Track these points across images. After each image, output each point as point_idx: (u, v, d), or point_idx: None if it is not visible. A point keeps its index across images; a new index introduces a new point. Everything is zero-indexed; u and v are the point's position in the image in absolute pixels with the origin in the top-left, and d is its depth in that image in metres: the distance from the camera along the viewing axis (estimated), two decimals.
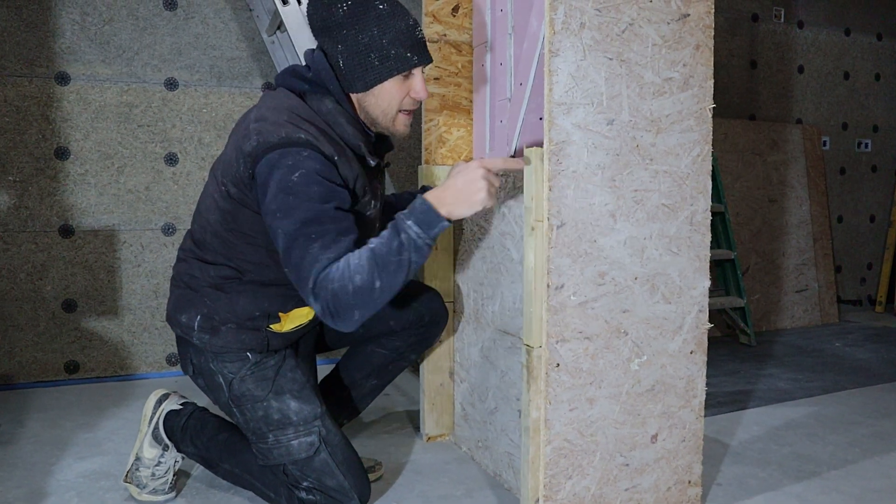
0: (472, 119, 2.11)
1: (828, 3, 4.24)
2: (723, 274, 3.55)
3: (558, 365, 1.47)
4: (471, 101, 2.11)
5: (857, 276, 4.50)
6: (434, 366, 2.08)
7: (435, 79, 2.06)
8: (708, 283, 1.62)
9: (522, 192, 1.58)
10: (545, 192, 1.43)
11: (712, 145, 3.65)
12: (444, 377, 2.10)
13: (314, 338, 1.84)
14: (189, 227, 1.68)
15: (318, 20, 1.44)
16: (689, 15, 1.56)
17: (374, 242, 1.35)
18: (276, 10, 2.37)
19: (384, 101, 1.48)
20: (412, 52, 1.45)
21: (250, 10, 2.81)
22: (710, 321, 3.56)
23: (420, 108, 3.20)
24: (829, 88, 4.30)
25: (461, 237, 2.00)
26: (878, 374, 2.91)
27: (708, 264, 1.62)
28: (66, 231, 2.70)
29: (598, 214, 1.48)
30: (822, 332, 3.82)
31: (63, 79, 2.67)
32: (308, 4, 1.46)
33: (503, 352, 1.79)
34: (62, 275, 2.71)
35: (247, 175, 1.40)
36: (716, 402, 2.51)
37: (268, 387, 1.53)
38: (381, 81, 1.45)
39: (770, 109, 4.09)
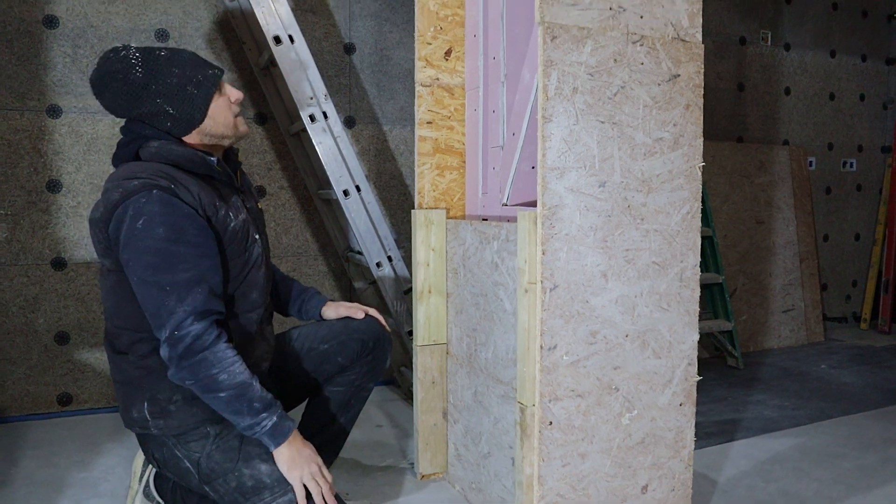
0: (464, 161, 2.14)
1: (814, 25, 4.29)
2: (711, 297, 3.60)
3: (551, 423, 1.50)
4: (464, 144, 2.13)
5: (843, 294, 4.57)
6: (427, 406, 2.11)
7: (427, 122, 2.08)
8: (696, 337, 1.66)
9: (515, 245, 1.61)
10: (538, 255, 1.45)
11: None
12: (437, 417, 2.12)
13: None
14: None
15: (123, 95, 1.49)
16: (679, 75, 1.60)
17: (256, 382, 1.45)
18: (269, 46, 2.38)
19: (221, 117, 1.58)
20: (210, 68, 1.57)
21: (242, 42, 2.82)
22: (699, 343, 3.64)
23: (413, 153, 3.22)
24: (815, 109, 4.36)
25: (455, 280, 2.03)
26: (862, 401, 2.96)
27: (697, 318, 1.65)
28: (59, 264, 2.70)
29: (591, 275, 1.51)
30: (808, 352, 3.88)
31: (55, 111, 2.67)
32: (103, 93, 1.50)
33: (496, 399, 1.82)
34: (55, 307, 2.71)
35: (106, 240, 1.46)
36: (704, 434, 2.54)
37: (235, 456, 1.52)
38: (209, 104, 1.55)
39: (757, 131, 4.14)
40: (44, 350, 2.71)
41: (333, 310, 1.95)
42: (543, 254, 1.45)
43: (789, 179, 4.09)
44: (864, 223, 4.62)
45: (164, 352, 1.42)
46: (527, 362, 1.49)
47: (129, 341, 1.54)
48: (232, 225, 1.55)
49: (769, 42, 4.12)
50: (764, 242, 3.94)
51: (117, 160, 1.57)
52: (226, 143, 1.63)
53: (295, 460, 1.48)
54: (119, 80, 1.48)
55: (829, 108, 4.41)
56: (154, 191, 1.41)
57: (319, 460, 1.52)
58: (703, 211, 3.51)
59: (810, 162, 4.33)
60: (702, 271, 3.55)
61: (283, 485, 1.50)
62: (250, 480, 1.50)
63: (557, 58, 1.45)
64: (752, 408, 2.87)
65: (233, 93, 1.61)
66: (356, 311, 1.94)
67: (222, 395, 1.42)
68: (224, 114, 1.58)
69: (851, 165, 4.51)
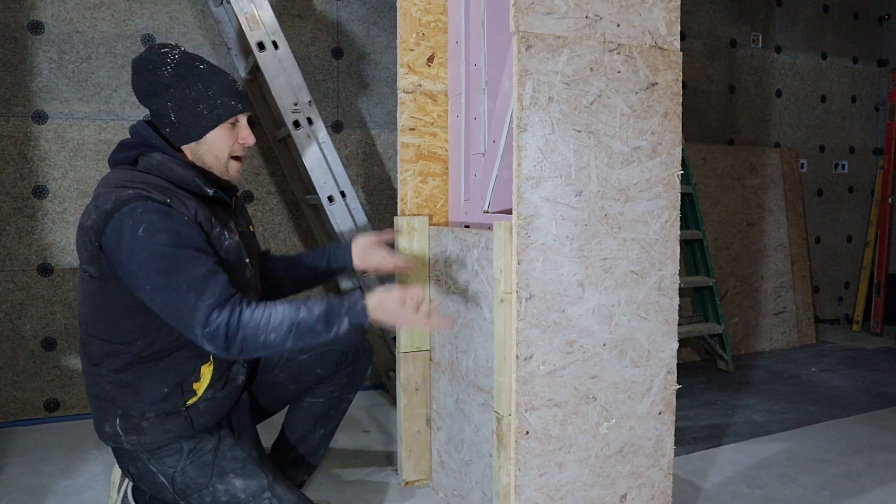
0: (447, 168, 2.13)
1: (805, 28, 4.29)
2: (701, 300, 3.60)
3: (528, 432, 1.50)
4: (446, 151, 2.13)
5: (835, 296, 4.56)
6: (411, 413, 2.10)
7: (410, 129, 2.08)
8: (676, 346, 1.65)
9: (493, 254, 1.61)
10: (514, 265, 1.45)
11: (692, 171, 3.69)
12: (420, 424, 2.12)
13: (247, 408, 1.84)
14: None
15: (146, 85, 1.53)
16: (657, 83, 1.59)
17: (302, 312, 1.44)
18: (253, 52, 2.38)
19: (216, 148, 1.58)
20: (235, 100, 1.58)
21: (228, 48, 2.81)
22: (689, 347, 3.64)
23: (396, 159, 3.21)
24: (806, 111, 4.36)
25: (437, 288, 2.02)
26: (851, 404, 2.96)
27: (676, 327, 1.65)
28: (45, 269, 2.70)
29: (567, 284, 1.51)
30: (799, 354, 3.87)
31: (40, 117, 2.66)
32: (133, 74, 1.55)
33: (477, 407, 1.81)
34: (41, 313, 2.71)
35: (96, 248, 1.44)
36: (691, 439, 2.54)
37: (209, 471, 1.52)
38: (211, 128, 1.55)
39: (748, 134, 4.14)
40: (30, 356, 2.70)
41: (361, 258, 1.89)
42: (519, 263, 1.45)
43: (781, 182, 4.09)
44: (856, 225, 4.61)
45: (207, 348, 1.41)
46: (503, 372, 1.49)
47: (100, 352, 1.52)
48: (227, 243, 1.55)
49: (760, 44, 4.11)
50: (755, 245, 3.94)
51: (114, 161, 1.57)
52: (214, 173, 1.61)
53: (388, 318, 1.50)
54: (149, 71, 1.52)
55: (820, 110, 4.40)
56: (148, 201, 1.41)
57: (393, 303, 1.49)
58: (693, 214, 3.50)
59: (802, 164, 4.33)
60: (692, 274, 3.56)
61: (257, 500, 1.50)
62: (225, 496, 1.51)
63: (533, 67, 1.44)
64: (740, 412, 2.86)
65: (244, 134, 1.61)
66: (386, 259, 1.87)
67: (288, 345, 1.42)
68: (221, 147, 1.58)
69: (843, 167, 4.51)
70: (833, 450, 2.45)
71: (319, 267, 1.92)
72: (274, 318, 1.42)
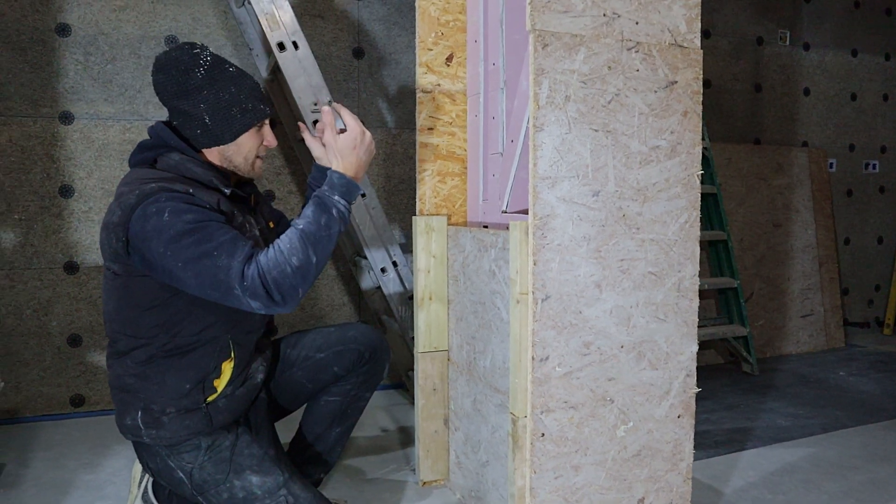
0: (466, 168, 2.13)
1: (834, 24, 4.20)
2: (725, 302, 3.54)
3: (543, 435, 1.49)
4: (465, 150, 2.12)
5: (865, 298, 4.47)
6: (429, 413, 2.10)
7: (429, 129, 2.08)
8: (695, 348, 1.63)
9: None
10: (530, 265, 1.44)
11: (717, 171, 3.64)
12: (438, 424, 2.11)
13: (265, 406, 1.84)
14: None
15: (174, 86, 1.53)
16: (676, 82, 1.57)
17: (300, 223, 1.50)
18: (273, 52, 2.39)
19: (245, 149, 1.62)
20: (263, 104, 1.62)
21: (250, 49, 2.83)
22: (713, 349, 3.59)
23: (414, 159, 3.20)
24: (835, 110, 4.27)
25: (455, 288, 2.02)
26: (879, 410, 2.89)
27: (696, 329, 1.62)
28: (71, 268, 2.75)
29: (584, 286, 1.49)
30: (826, 358, 3.79)
31: (67, 118, 2.71)
32: (159, 73, 1.54)
33: (494, 408, 1.81)
34: (67, 310, 2.75)
35: (121, 245, 1.45)
36: (713, 442, 2.50)
37: (227, 467, 1.54)
38: (244, 131, 1.59)
39: (775, 133, 4.07)
40: (57, 352, 2.75)
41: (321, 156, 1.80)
42: (535, 264, 1.44)
43: (808, 182, 4.01)
44: (887, 226, 4.51)
45: (253, 306, 1.41)
46: (519, 373, 1.48)
47: (126, 347, 1.55)
48: (247, 235, 1.57)
49: (787, 42, 4.04)
50: (781, 246, 3.87)
51: (134, 162, 1.59)
52: (238, 173, 1.65)
53: (357, 160, 1.62)
54: (180, 71, 1.52)
55: (850, 108, 4.31)
56: (172, 192, 1.44)
57: (349, 148, 1.62)
58: (718, 214, 3.45)
59: (831, 163, 4.24)
60: (716, 275, 3.51)
61: (273, 497, 1.52)
62: (241, 492, 1.52)
63: (549, 66, 1.43)
64: (764, 416, 2.81)
65: (269, 137, 1.66)
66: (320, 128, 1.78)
67: (313, 258, 1.45)
68: (249, 148, 1.62)
69: (874, 167, 4.41)
70: (860, 456, 2.39)
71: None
72: (283, 245, 1.45)
